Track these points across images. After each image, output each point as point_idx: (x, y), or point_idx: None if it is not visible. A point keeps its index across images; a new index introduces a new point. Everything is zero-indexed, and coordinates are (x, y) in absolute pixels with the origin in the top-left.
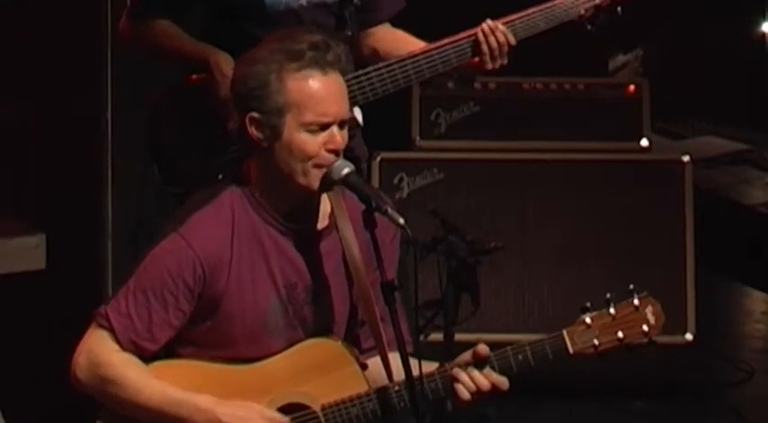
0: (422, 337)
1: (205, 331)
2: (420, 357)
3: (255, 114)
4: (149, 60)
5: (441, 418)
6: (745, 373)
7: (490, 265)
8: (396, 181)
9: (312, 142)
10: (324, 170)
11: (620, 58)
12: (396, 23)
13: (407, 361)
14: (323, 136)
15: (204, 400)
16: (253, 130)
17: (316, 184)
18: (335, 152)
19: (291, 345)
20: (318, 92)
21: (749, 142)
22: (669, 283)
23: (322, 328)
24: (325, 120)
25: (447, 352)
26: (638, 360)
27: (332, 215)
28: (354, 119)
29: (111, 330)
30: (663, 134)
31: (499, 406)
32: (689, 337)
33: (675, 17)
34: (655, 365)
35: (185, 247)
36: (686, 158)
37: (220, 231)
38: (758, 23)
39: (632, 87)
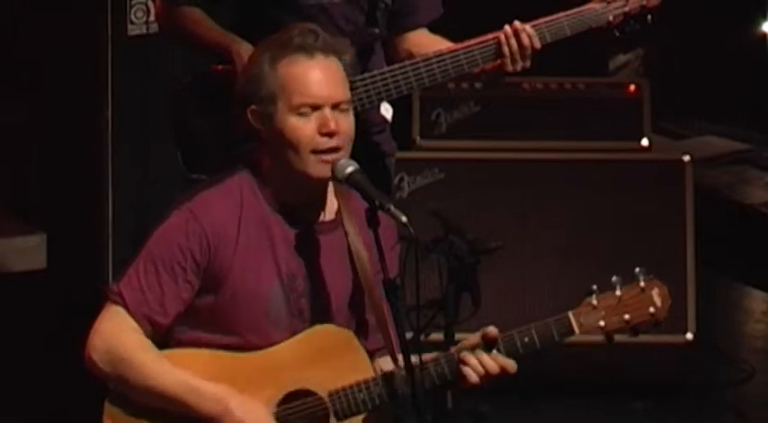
0: (422, 337)
1: (208, 311)
2: (421, 351)
3: (254, 106)
4: (149, 59)
5: (440, 416)
6: (746, 373)
7: (491, 264)
8: (396, 181)
9: (303, 126)
10: (322, 156)
11: (621, 58)
12: (431, 28)
13: (408, 350)
14: (314, 119)
15: (219, 390)
16: (255, 123)
17: (315, 172)
18: (330, 135)
19: (293, 334)
20: (303, 74)
21: (749, 142)
22: (669, 283)
23: (318, 322)
24: (311, 101)
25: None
26: (639, 359)
27: (339, 212)
28: (382, 115)
29: (125, 306)
30: (663, 134)
31: (498, 404)
32: (689, 336)
33: (676, 17)
34: (655, 365)
35: (192, 219)
36: (687, 158)
37: (228, 210)
38: (758, 23)
39: (633, 87)
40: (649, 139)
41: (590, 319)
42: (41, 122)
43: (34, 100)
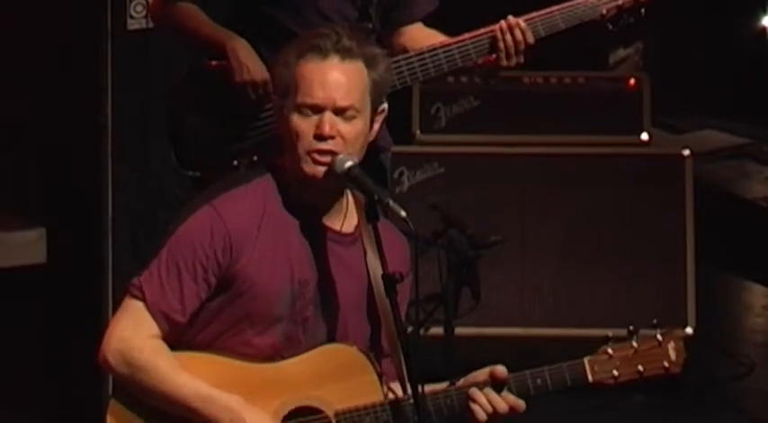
0: (422, 331)
1: (217, 307)
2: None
3: (275, 98)
4: (149, 54)
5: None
6: (746, 367)
7: (490, 258)
8: (396, 175)
9: (302, 125)
10: (314, 156)
11: (621, 52)
12: (425, 23)
13: (410, 366)
14: (314, 120)
15: (233, 401)
16: (276, 118)
17: (308, 170)
18: (322, 138)
19: (288, 339)
20: (311, 74)
21: (749, 136)
22: (669, 277)
23: (322, 334)
24: (310, 101)
25: (447, 346)
26: None
27: (358, 228)
28: None
29: (144, 301)
30: (663, 128)
31: None
32: (689, 330)
33: (676, 11)
34: None
35: (218, 218)
36: (686, 152)
37: (251, 211)
38: (758, 17)
39: (632, 81)
40: (649, 133)
41: (604, 368)
42: (41, 117)
43: (34, 95)
